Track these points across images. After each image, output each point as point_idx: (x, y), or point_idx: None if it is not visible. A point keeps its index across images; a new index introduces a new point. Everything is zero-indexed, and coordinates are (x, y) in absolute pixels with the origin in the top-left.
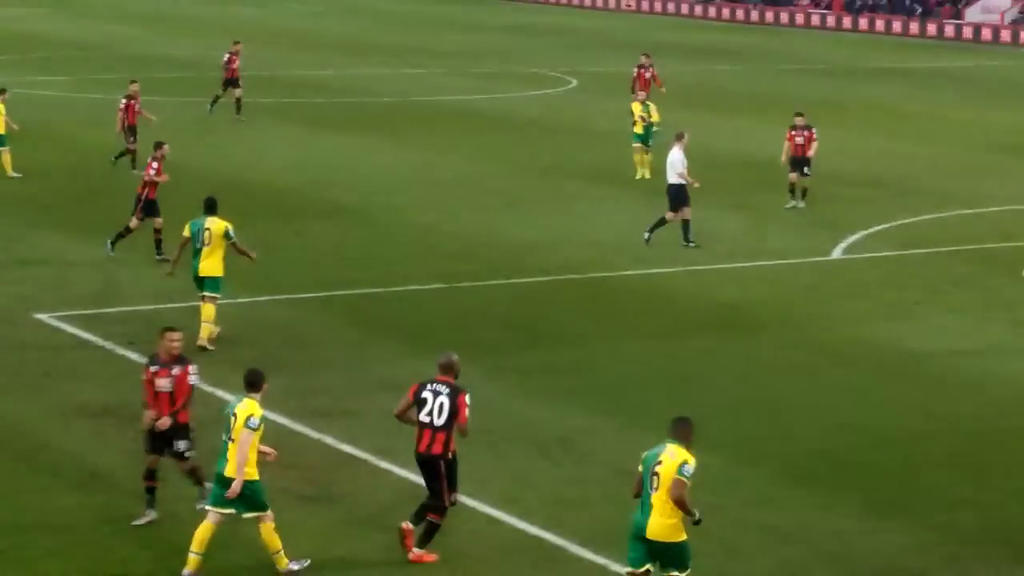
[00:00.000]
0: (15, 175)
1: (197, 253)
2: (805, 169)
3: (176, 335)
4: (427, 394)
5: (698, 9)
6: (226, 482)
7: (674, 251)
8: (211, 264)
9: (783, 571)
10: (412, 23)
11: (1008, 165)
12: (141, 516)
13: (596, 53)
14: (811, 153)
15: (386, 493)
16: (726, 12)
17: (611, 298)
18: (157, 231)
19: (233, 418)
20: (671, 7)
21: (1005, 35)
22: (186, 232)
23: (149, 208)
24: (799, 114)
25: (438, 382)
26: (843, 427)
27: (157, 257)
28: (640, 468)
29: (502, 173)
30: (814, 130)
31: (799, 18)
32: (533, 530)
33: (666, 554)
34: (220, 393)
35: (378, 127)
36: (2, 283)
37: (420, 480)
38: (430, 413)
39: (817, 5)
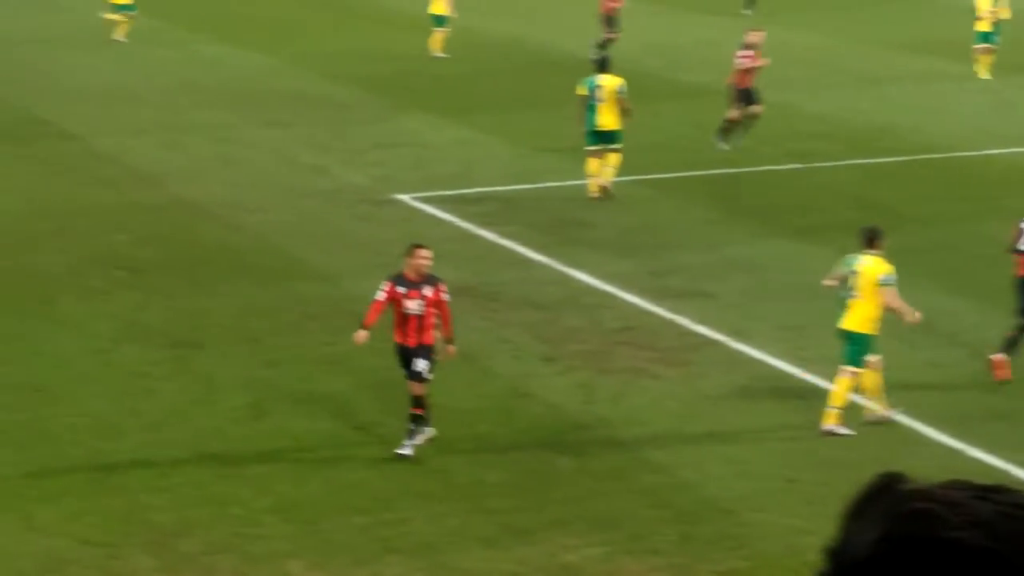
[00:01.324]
0: (440, 55)
1: (592, 109)
2: None
3: (427, 252)
4: None
5: None
6: (847, 336)
7: None
8: (609, 119)
9: None
10: None
11: None
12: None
13: None
14: None
15: (741, 374)
16: None
17: (972, 178)
18: (747, 118)
19: (855, 275)
20: None
21: None
22: (581, 90)
23: (746, 97)
24: None
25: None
26: None
27: (719, 141)
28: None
29: (862, 50)
30: None
31: None
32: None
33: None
34: (576, 274)
35: (731, 6)
36: (364, 165)
37: (775, 361)
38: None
39: None
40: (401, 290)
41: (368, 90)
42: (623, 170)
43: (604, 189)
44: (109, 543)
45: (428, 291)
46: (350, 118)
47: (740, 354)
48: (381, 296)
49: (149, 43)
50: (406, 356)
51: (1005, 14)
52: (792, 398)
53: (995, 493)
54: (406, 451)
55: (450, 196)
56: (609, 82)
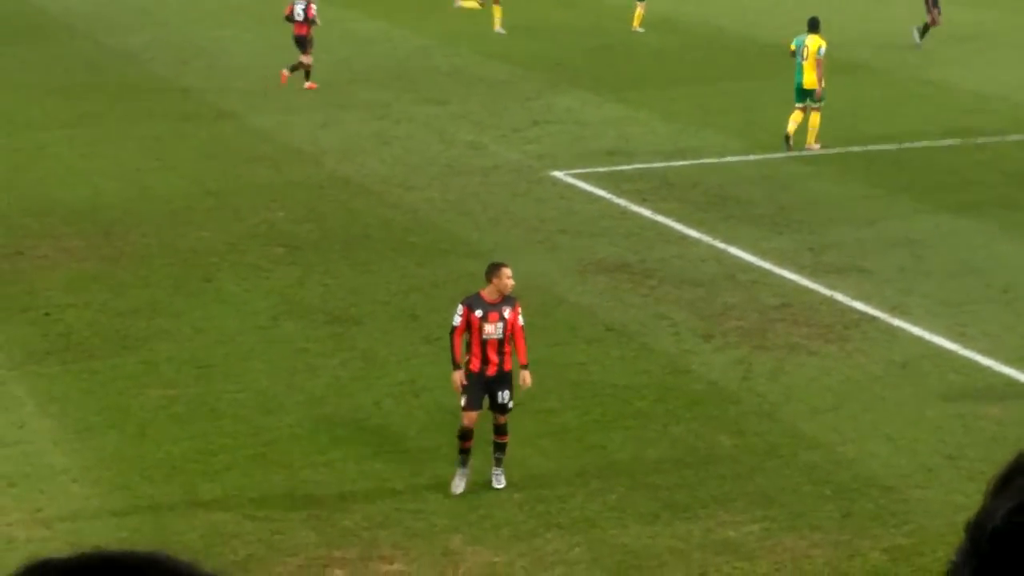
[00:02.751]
0: (501, 31)
1: (799, 67)
2: None
3: (510, 271)
4: None
5: None
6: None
7: None
8: (810, 77)
9: None
10: None
11: None
12: (454, 483)
13: None
14: None
15: (899, 350)
16: None
17: None
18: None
19: (805, 48)
20: None
21: None
22: (792, 46)
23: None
24: None
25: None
26: None
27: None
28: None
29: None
30: None
31: None
32: None
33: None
34: (733, 251)
35: None
36: (520, 142)
37: (933, 338)
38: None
39: None
40: (478, 313)
41: (524, 67)
42: (779, 147)
43: (809, 147)
44: (271, 518)
45: (508, 312)
46: (506, 95)
47: (899, 330)
48: (458, 322)
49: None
50: (488, 386)
51: None
52: (951, 373)
53: None
54: (501, 484)
55: (606, 173)
56: (813, 42)
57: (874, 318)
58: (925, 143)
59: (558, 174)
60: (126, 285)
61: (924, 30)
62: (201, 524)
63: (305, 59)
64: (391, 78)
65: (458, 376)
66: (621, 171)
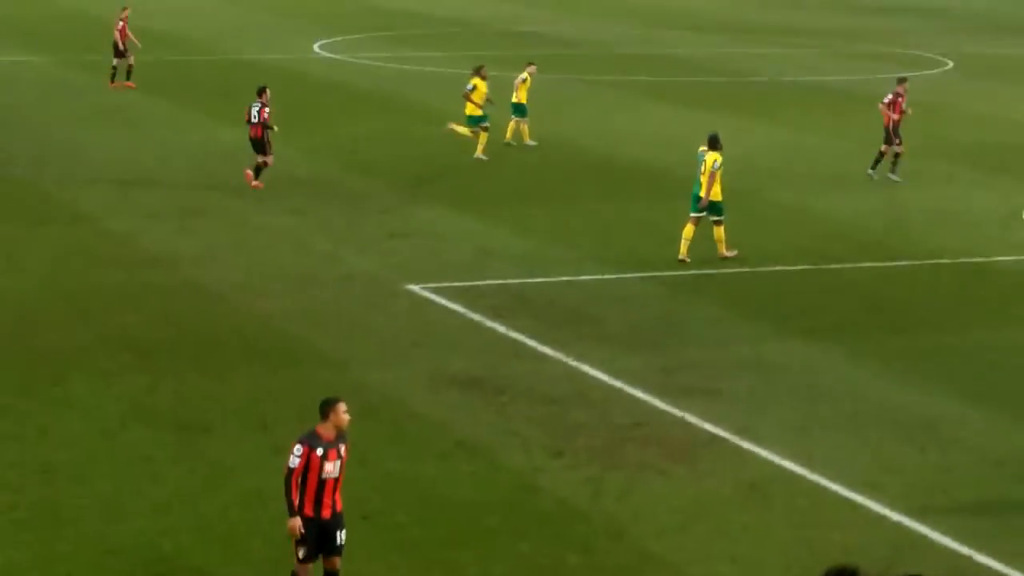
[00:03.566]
0: (531, 143)
1: (698, 181)
2: None
3: (345, 406)
4: None
5: None
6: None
7: None
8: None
9: None
10: (789, 4)
11: None
12: None
13: (974, 35)
14: None
15: (748, 472)
16: None
17: (984, 284)
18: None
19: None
20: None
21: None
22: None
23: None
24: None
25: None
26: None
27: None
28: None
29: (871, 154)
30: None
31: None
32: (895, 516)
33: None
34: (586, 368)
35: (750, 107)
36: (377, 254)
37: (781, 461)
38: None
39: None
40: (319, 452)
41: (384, 180)
42: (635, 265)
43: (723, 256)
44: None
45: (343, 449)
46: (365, 207)
47: (747, 452)
48: (296, 463)
49: (165, 126)
50: (324, 531)
51: None
52: (798, 497)
53: None
54: None
55: (462, 287)
56: (710, 157)
57: (724, 439)
58: (778, 267)
59: (414, 287)
60: None
61: (877, 160)
62: None
63: (267, 160)
64: (244, 187)
65: (297, 523)
66: (477, 286)
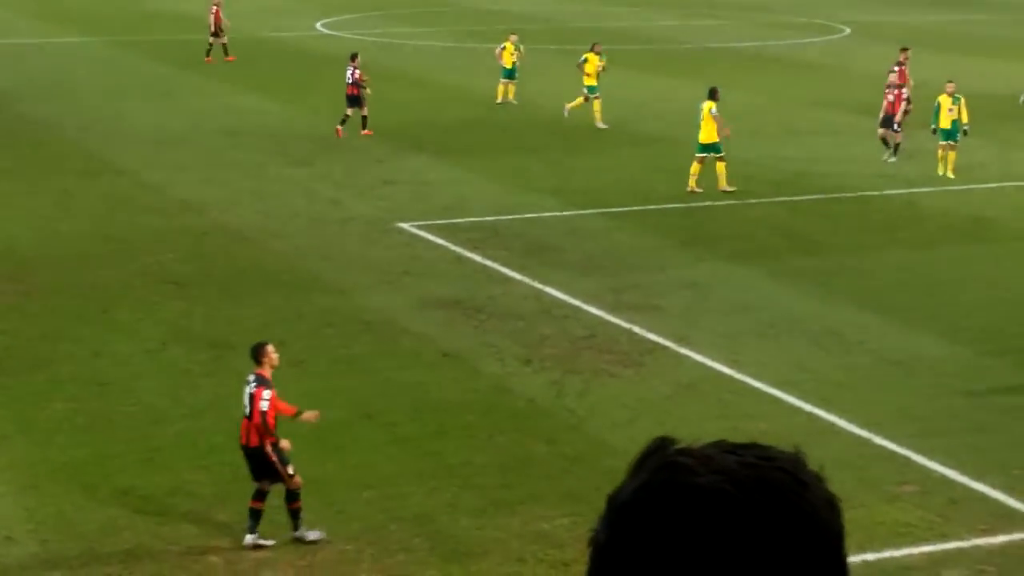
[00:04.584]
0: (602, 125)
1: (699, 126)
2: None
3: (273, 347)
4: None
5: None
6: (701, 146)
7: (930, 175)
8: (705, 133)
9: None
10: None
11: None
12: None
13: (870, 5)
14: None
15: (685, 374)
16: None
17: (874, 214)
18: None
19: (701, 110)
20: None
21: None
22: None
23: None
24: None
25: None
26: None
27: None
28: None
29: (783, 107)
30: (904, 90)
31: None
32: (807, 407)
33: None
34: (549, 290)
35: (681, 70)
36: (373, 198)
37: (712, 364)
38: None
39: None
40: (275, 391)
41: (378, 135)
42: (589, 203)
43: (723, 191)
44: (158, 512)
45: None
46: (362, 159)
47: (684, 358)
48: (267, 407)
49: (193, 94)
50: (281, 455)
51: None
52: (727, 394)
53: (745, 449)
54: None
55: (444, 225)
56: (706, 106)
57: (664, 347)
58: (707, 203)
59: (404, 225)
60: (36, 315)
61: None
62: (98, 518)
63: (361, 111)
64: (265, 143)
65: (287, 444)
66: (456, 223)
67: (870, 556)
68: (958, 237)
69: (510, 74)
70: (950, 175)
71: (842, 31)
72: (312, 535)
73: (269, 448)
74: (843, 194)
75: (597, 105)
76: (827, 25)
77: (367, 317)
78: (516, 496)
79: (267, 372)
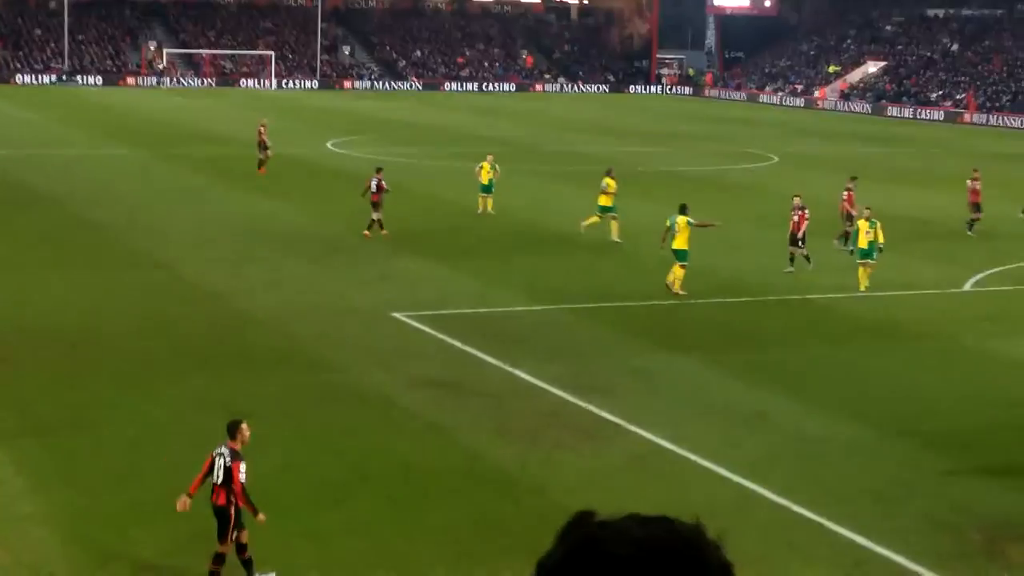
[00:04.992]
0: (617, 240)
1: (673, 236)
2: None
3: (246, 424)
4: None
5: (869, 108)
6: (677, 253)
7: (845, 283)
8: (680, 241)
9: (924, 518)
10: (662, 116)
11: None
12: None
13: (793, 139)
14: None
15: (634, 447)
16: (892, 111)
17: (797, 314)
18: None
19: (676, 224)
20: (855, 107)
21: None
22: (667, 223)
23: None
24: (796, 195)
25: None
26: (973, 411)
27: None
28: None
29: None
30: (806, 211)
31: (939, 115)
32: (735, 478)
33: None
34: (519, 373)
35: (633, 190)
36: (371, 292)
37: (656, 440)
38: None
39: (956, 105)
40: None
41: (375, 239)
42: (554, 300)
43: (675, 290)
44: (179, 551)
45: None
46: (362, 258)
47: (632, 433)
48: (243, 479)
49: (222, 201)
50: (239, 520)
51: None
52: (667, 465)
53: (654, 522)
54: None
55: (430, 315)
56: (682, 220)
57: (616, 424)
58: (654, 302)
59: (397, 315)
60: (83, 384)
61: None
62: (130, 555)
63: (376, 216)
64: (281, 243)
65: (182, 503)
66: (442, 314)
67: None
68: (867, 336)
69: (487, 189)
70: (863, 289)
71: (771, 159)
72: None
73: (232, 510)
74: (769, 297)
75: (614, 224)
76: (757, 154)
77: (363, 392)
78: (487, 550)
79: (238, 447)
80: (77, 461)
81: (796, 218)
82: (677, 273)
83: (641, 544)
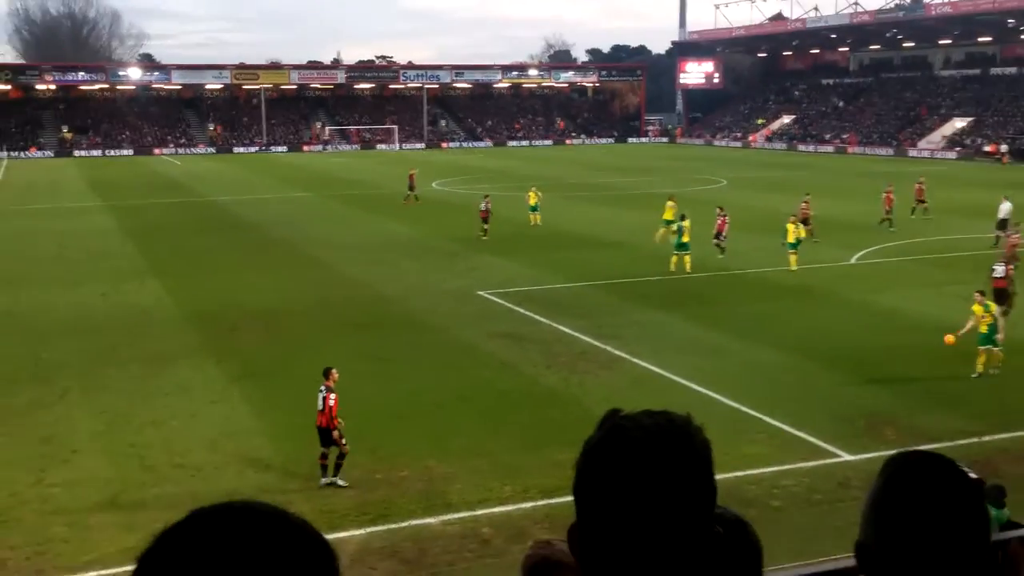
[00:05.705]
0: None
1: (680, 233)
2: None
3: (335, 370)
4: (319, 392)
5: (785, 146)
6: (680, 245)
7: (774, 262)
8: (686, 239)
9: (828, 411)
10: (649, 157)
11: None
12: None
13: (739, 168)
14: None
15: (636, 373)
16: (801, 147)
17: (739, 284)
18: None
19: (684, 227)
20: (776, 146)
21: None
22: (674, 228)
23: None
24: (719, 206)
25: (323, 385)
26: (859, 341)
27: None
28: (675, 228)
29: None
30: (727, 216)
31: (831, 149)
32: (702, 390)
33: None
34: (562, 327)
35: (630, 204)
36: (462, 278)
37: (650, 367)
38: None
39: (843, 143)
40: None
41: (461, 244)
42: (581, 279)
43: (687, 272)
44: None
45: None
46: (453, 256)
47: (634, 364)
48: (333, 403)
49: (362, 223)
50: (340, 432)
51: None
52: (656, 384)
53: (659, 414)
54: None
55: (503, 292)
56: (686, 223)
57: (623, 358)
58: (646, 278)
59: (481, 292)
60: (277, 345)
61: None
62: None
63: (485, 227)
64: (399, 249)
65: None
66: (508, 291)
67: (739, 473)
68: (789, 296)
69: (534, 208)
70: (794, 268)
71: (720, 182)
72: (342, 483)
73: (334, 430)
74: (718, 272)
75: (663, 231)
76: (712, 179)
77: (459, 343)
78: (546, 441)
79: (331, 384)
80: (279, 394)
81: (719, 221)
82: (686, 260)
83: (649, 429)
